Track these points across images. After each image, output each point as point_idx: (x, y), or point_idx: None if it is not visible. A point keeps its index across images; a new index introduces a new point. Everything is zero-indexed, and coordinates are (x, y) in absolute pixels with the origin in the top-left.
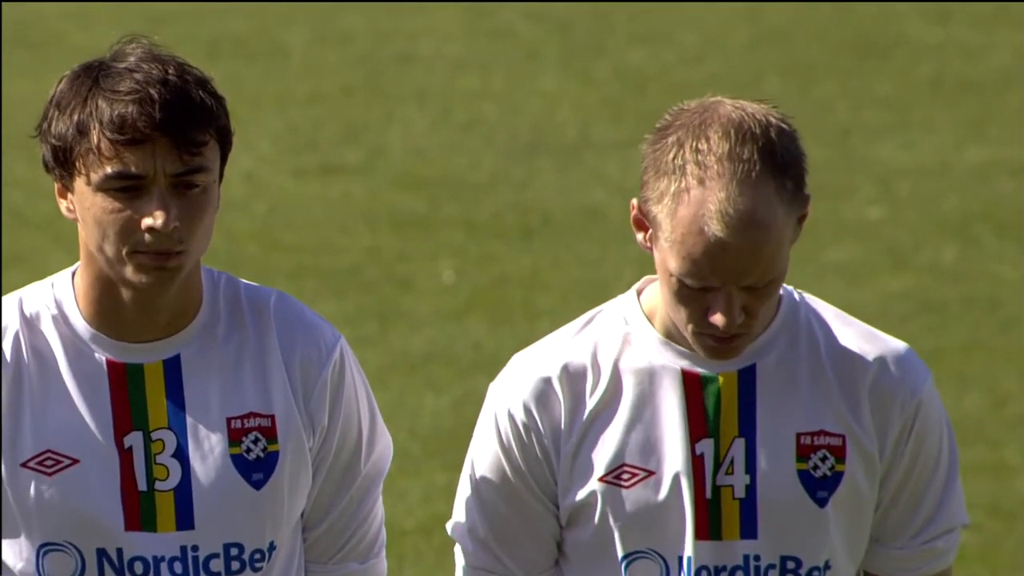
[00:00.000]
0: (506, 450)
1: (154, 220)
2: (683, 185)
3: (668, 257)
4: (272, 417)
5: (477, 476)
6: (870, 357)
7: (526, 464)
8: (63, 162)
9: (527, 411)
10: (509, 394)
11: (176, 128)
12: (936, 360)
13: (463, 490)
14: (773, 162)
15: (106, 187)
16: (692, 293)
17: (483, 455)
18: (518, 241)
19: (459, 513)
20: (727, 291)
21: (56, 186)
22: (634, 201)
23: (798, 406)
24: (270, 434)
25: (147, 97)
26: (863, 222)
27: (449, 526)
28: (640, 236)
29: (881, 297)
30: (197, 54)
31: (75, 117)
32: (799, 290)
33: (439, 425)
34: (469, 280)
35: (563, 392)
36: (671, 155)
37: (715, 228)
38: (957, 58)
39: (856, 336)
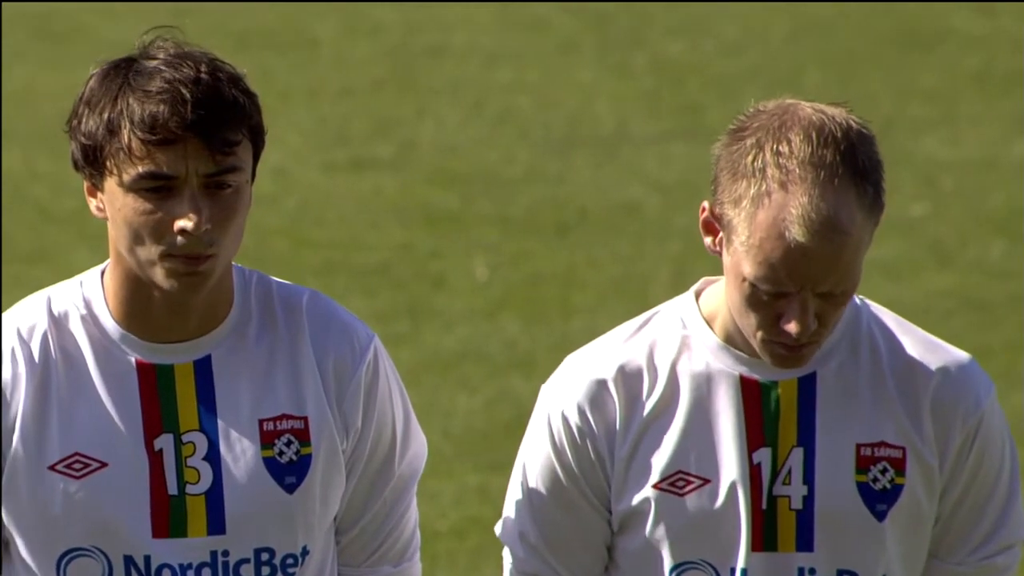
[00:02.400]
0: (559, 453)
1: (186, 222)
2: (764, 188)
3: (743, 261)
4: (305, 419)
5: (529, 479)
6: (932, 367)
7: (579, 467)
8: (93, 161)
9: (581, 413)
10: (563, 396)
11: (208, 128)
12: (981, 359)
13: (513, 494)
14: (855, 167)
15: (137, 187)
16: (765, 299)
17: (535, 458)
18: (553, 238)
19: (509, 517)
20: (802, 298)
21: (86, 184)
22: (705, 204)
23: (858, 416)
24: (303, 436)
25: (179, 97)
26: (907, 218)
27: (498, 529)
28: (708, 240)
29: (925, 295)
30: (225, 46)
31: (105, 116)
32: (859, 295)
33: (472, 425)
34: (503, 277)
35: (619, 395)
36: (750, 157)
37: (796, 233)
38: (1004, 51)
39: (918, 345)
